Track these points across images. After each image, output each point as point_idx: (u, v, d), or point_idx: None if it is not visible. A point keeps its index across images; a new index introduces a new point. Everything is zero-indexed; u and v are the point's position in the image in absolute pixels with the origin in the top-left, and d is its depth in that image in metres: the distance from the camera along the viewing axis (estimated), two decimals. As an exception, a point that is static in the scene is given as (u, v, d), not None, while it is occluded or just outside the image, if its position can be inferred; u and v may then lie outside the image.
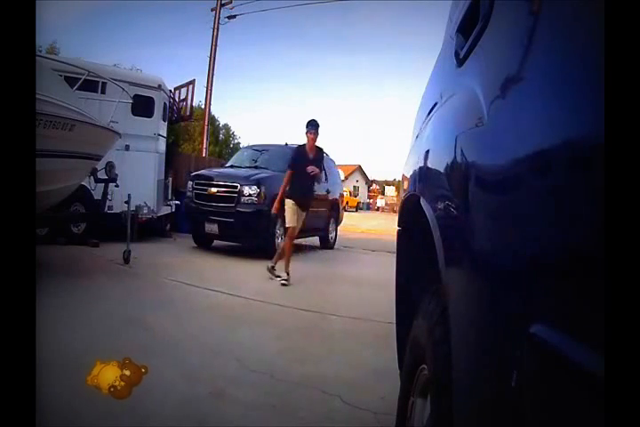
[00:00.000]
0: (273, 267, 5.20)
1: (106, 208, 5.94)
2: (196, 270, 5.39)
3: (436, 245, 0.88)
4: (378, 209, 36.60)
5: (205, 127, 15.00)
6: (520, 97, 0.61)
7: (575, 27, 0.50)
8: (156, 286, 4.53)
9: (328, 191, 8.31)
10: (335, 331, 3.42)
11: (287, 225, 5.33)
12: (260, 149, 8.14)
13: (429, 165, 1.10)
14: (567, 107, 0.48)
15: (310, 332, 3.35)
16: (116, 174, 5.60)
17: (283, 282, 4.97)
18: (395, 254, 1.56)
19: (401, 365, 1.39)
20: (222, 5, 14.91)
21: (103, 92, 6.42)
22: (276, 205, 5.40)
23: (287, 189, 5.28)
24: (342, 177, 13.20)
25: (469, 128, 0.77)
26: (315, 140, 5.30)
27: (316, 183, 5.51)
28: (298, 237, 7.66)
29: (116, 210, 6.12)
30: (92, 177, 5.46)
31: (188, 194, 7.13)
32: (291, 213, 5.22)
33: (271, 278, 5.10)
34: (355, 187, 42.84)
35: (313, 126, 5.24)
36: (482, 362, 0.63)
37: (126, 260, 5.26)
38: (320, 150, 5.42)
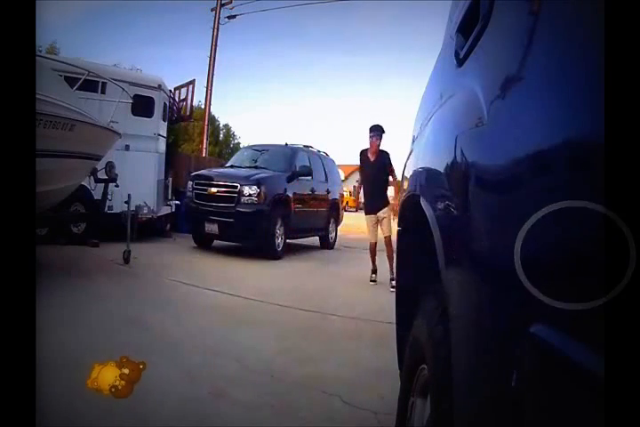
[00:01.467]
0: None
1: (106, 208, 5.94)
2: (196, 270, 5.39)
3: (435, 245, 0.88)
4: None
5: (205, 127, 15.00)
6: (520, 97, 0.61)
7: (575, 27, 0.50)
8: (156, 286, 4.53)
9: (328, 191, 8.31)
10: (335, 331, 3.42)
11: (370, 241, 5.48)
12: (259, 149, 8.14)
13: (429, 165, 1.10)
14: (567, 107, 0.48)
15: (310, 332, 3.35)
16: (116, 174, 5.60)
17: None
18: (395, 254, 1.56)
19: (401, 365, 1.39)
20: (222, 5, 14.90)
21: (103, 92, 6.42)
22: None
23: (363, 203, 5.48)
24: (342, 177, 13.21)
25: (469, 128, 0.77)
26: (377, 146, 5.27)
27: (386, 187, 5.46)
28: (297, 238, 7.70)
29: (116, 210, 6.12)
30: (91, 177, 5.46)
31: (188, 194, 7.12)
32: (368, 228, 5.39)
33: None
34: (355, 187, 42.83)
35: (377, 131, 5.24)
36: (482, 362, 0.63)
37: (126, 260, 5.26)
38: (382, 153, 5.33)
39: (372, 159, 5.29)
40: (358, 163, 5.53)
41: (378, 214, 5.29)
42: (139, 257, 5.45)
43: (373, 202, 5.37)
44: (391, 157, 5.35)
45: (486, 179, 0.70)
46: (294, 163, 7.41)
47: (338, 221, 8.91)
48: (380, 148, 5.31)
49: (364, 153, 5.37)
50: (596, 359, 0.37)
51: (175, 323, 3.29)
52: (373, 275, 5.37)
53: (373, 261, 5.41)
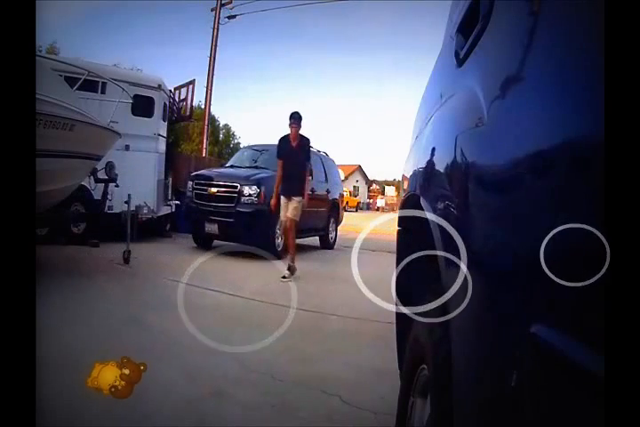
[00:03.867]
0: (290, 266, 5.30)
1: (106, 208, 5.94)
2: (196, 270, 5.39)
3: (435, 245, 0.88)
4: (378, 209, 36.61)
5: (205, 127, 15.00)
6: (520, 97, 0.61)
7: (575, 27, 0.50)
8: (156, 286, 4.53)
9: (328, 191, 8.31)
10: (335, 331, 3.42)
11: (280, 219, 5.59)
12: (259, 149, 8.13)
13: (429, 165, 1.10)
14: (567, 107, 0.48)
15: (310, 332, 3.35)
16: (116, 174, 5.60)
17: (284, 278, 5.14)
18: (395, 254, 1.56)
19: (401, 365, 1.39)
20: (222, 5, 14.91)
21: (103, 92, 6.42)
22: (272, 201, 5.57)
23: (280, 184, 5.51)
24: (342, 177, 13.21)
25: (469, 128, 0.77)
26: (297, 131, 5.48)
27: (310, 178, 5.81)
28: (297, 237, 7.69)
29: (116, 210, 6.13)
30: (91, 177, 5.46)
31: (188, 194, 7.12)
32: (280, 207, 5.46)
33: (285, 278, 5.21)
34: (355, 187, 42.84)
35: (295, 119, 5.43)
36: (482, 362, 0.63)
37: (126, 260, 5.26)
38: (304, 139, 5.57)
39: (293, 144, 5.47)
40: (278, 150, 5.65)
41: (291, 199, 5.37)
42: (139, 257, 5.45)
43: (292, 184, 5.43)
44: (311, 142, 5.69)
45: (486, 179, 0.70)
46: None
47: (338, 221, 8.91)
48: (303, 134, 5.59)
49: (285, 139, 5.54)
50: (596, 359, 0.37)
51: (175, 323, 3.29)
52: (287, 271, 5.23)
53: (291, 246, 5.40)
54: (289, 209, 5.36)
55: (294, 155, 5.44)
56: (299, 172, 5.43)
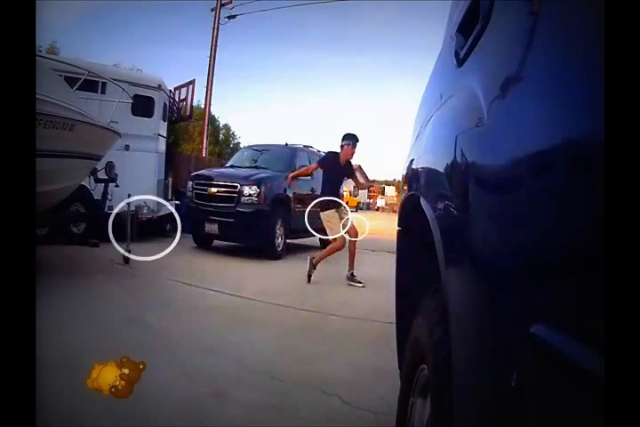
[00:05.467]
0: (352, 273, 5.42)
1: (106, 208, 5.94)
2: (196, 270, 5.39)
3: (435, 245, 0.88)
4: (378, 209, 36.61)
5: (205, 127, 15.00)
6: (520, 97, 0.61)
7: (575, 27, 0.50)
8: (156, 286, 4.53)
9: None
10: (335, 331, 3.42)
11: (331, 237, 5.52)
12: (259, 149, 8.14)
13: (429, 165, 1.10)
14: (567, 107, 0.48)
15: (310, 332, 3.35)
16: (116, 174, 5.60)
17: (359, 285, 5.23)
18: (395, 254, 1.56)
19: (401, 365, 1.39)
20: (222, 5, 14.91)
21: (103, 92, 6.43)
22: (290, 177, 5.94)
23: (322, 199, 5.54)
24: (342, 177, 13.16)
25: (469, 128, 0.77)
26: (352, 153, 5.52)
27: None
28: (297, 238, 7.70)
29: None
30: (91, 177, 5.46)
31: (188, 194, 7.12)
32: (332, 223, 5.46)
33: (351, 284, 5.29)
34: (355, 187, 42.74)
35: (350, 140, 5.49)
36: (482, 362, 0.63)
37: (126, 260, 5.26)
38: (349, 162, 5.63)
39: (342, 164, 5.53)
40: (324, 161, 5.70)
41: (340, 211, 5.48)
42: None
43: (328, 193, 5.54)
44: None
45: (486, 179, 0.70)
46: (294, 163, 7.41)
47: (338, 221, 8.90)
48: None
49: (335, 156, 5.55)
50: (595, 359, 0.37)
51: (175, 323, 3.29)
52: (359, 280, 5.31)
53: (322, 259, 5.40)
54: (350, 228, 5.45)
55: (338, 175, 5.59)
56: (337, 188, 5.65)
